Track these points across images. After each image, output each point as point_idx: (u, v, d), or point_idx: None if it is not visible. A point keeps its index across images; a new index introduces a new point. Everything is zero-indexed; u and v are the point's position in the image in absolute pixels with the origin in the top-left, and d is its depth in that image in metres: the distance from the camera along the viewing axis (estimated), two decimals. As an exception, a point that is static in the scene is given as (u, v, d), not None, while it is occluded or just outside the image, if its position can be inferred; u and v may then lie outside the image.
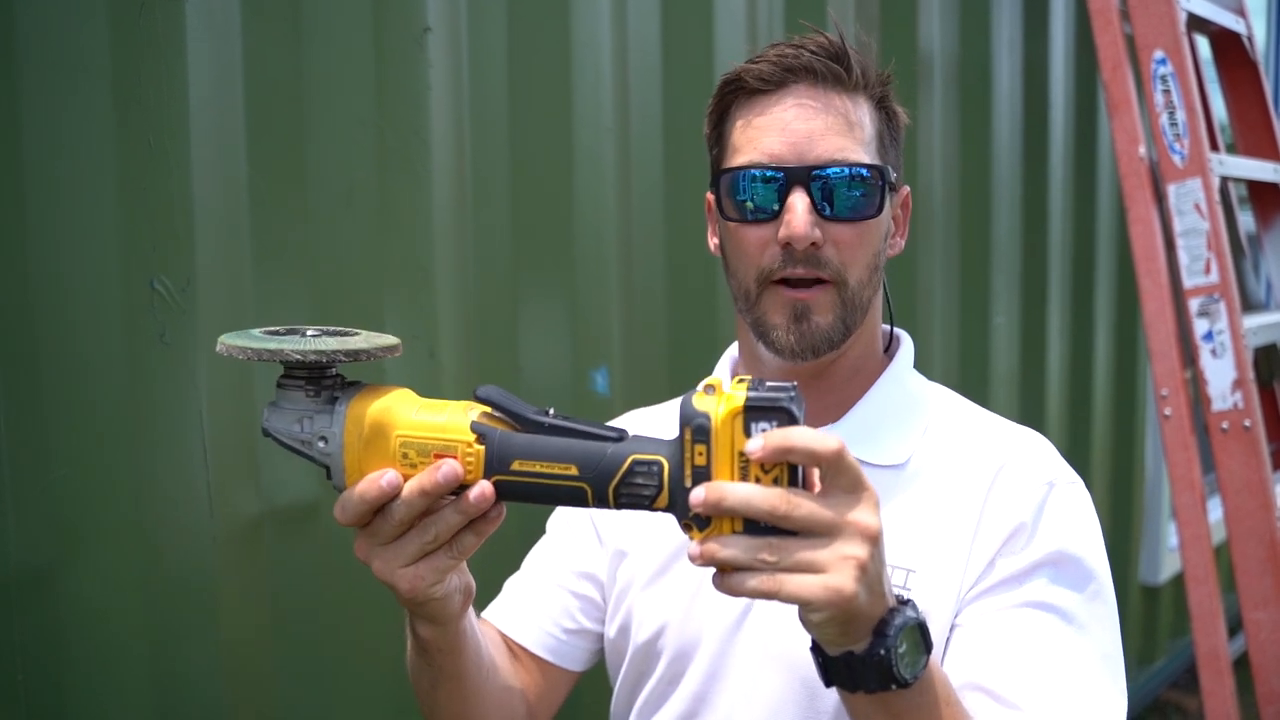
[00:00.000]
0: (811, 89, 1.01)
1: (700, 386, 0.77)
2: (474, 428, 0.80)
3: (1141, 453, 3.57)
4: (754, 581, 0.74)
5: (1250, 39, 2.72)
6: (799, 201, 0.98)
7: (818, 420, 1.07)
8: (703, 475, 0.76)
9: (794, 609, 0.98)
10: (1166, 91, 2.31)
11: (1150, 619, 3.72)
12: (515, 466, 0.79)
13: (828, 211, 0.99)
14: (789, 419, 0.75)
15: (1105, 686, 0.96)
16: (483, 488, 0.79)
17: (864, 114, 1.02)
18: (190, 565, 1.39)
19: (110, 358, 1.31)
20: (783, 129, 1.00)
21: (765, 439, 0.74)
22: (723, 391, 0.76)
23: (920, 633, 0.81)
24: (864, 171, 1.00)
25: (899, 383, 1.10)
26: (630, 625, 1.14)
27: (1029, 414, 3.00)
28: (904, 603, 0.81)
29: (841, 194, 0.99)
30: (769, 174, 1.00)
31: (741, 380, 0.78)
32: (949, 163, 2.68)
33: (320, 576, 1.52)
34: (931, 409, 1.10)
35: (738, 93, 1.04)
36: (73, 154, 1.27)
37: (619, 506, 0.79)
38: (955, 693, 0.88)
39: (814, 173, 0.99)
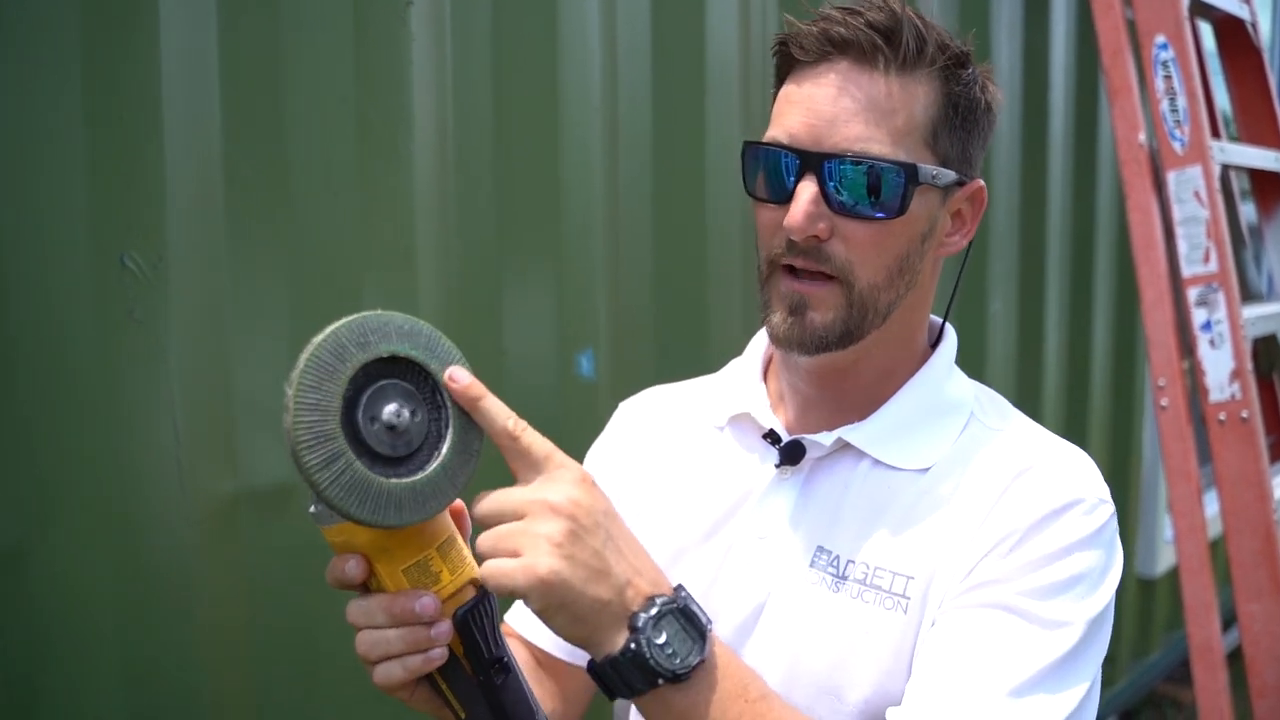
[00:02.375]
0: (854, 65, 0.92)
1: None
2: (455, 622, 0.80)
3: (1139, 444, 3.54)
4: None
5: (1255, 26, 2.68)
6: (805, 190, 0.91)
7: (844, 416, 1.01)
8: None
9: (801, 617, 0.97)
10: (1168, 77, 2.28)
11: (1146, 612, 3.69)
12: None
13: (838, 204, 0.92)
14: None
15: (1044, 698, 0.86)
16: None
17: (915, 98, 0.92)
18: (163, 545, 1.36)
19: (79, 334, 1.29)
20: (809, 108, 0.92)
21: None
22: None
23: (685, 618, 0.78)
24: (881, 167, 0.90)
25: (933, 385, 1.02)
26: None
27: (1025, 403, 2.96)
28: (674, 592, 0.79)
29: (856, 187, 0.91)
30: (783, 155, 0.93)
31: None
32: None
33: (298, 557, 1.50)
34: (967, 414, 1.01)
35: (786, 57, 0.97)
36: (41, 127, 1.25)
37: None
38: (764, 684, 0.84)
39: (826, 161, 0.91)
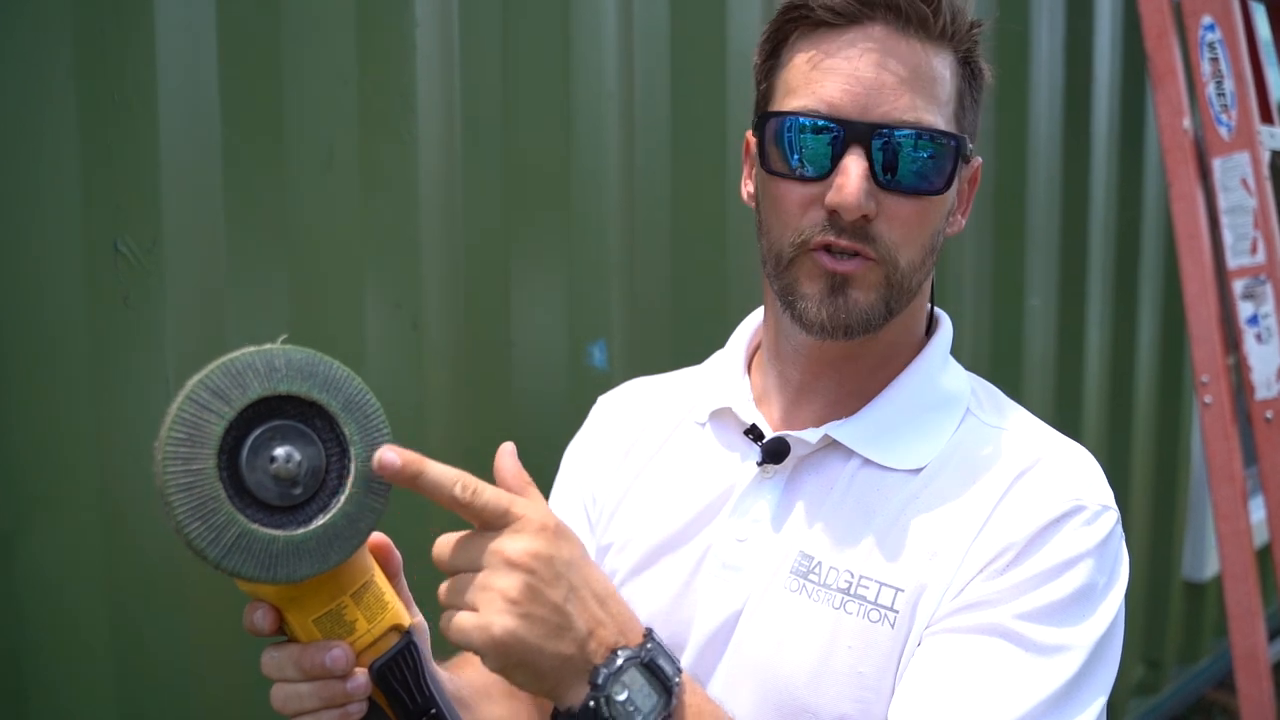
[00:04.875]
0: (890, 31, 0.85)
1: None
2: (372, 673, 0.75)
3: (1187, 443, 3.41)
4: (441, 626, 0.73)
5: (1311, 7, 2.57)
6: (854, 165, 0.84)
7: (834, 410, 0.95)
8: None
9: (776, 627, 0.91)
10: (1214, 60, 2.18)
11: (1194, 617, 3.57)
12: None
13: (887, 180, 0.85)
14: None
15: None
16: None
17: (946, 69, 0.87)
18: (156, 535, 1.34)
19: (72, 320, 1.27)
20: (849, 75, 0.85)
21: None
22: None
23: (650, 671, 0.73)
24: (938, 138, 0.85)
25: (928, 378, 0.96)
26: None
27: (1064, 401, 2.88)
28: (642, 640, 0.74)
29: (906, 162, 0.85)
30: (825, 125, 0.85)
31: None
32: (982, 136, 2.55)
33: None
34: (960, 411, 0.95)
35: (801, 22, 0.89)
36: (32, 109, 1.23)
37: None
38: None
39: (879, 132, 0.84)
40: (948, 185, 0.88)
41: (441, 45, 1.57)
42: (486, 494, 0.72)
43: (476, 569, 0.72)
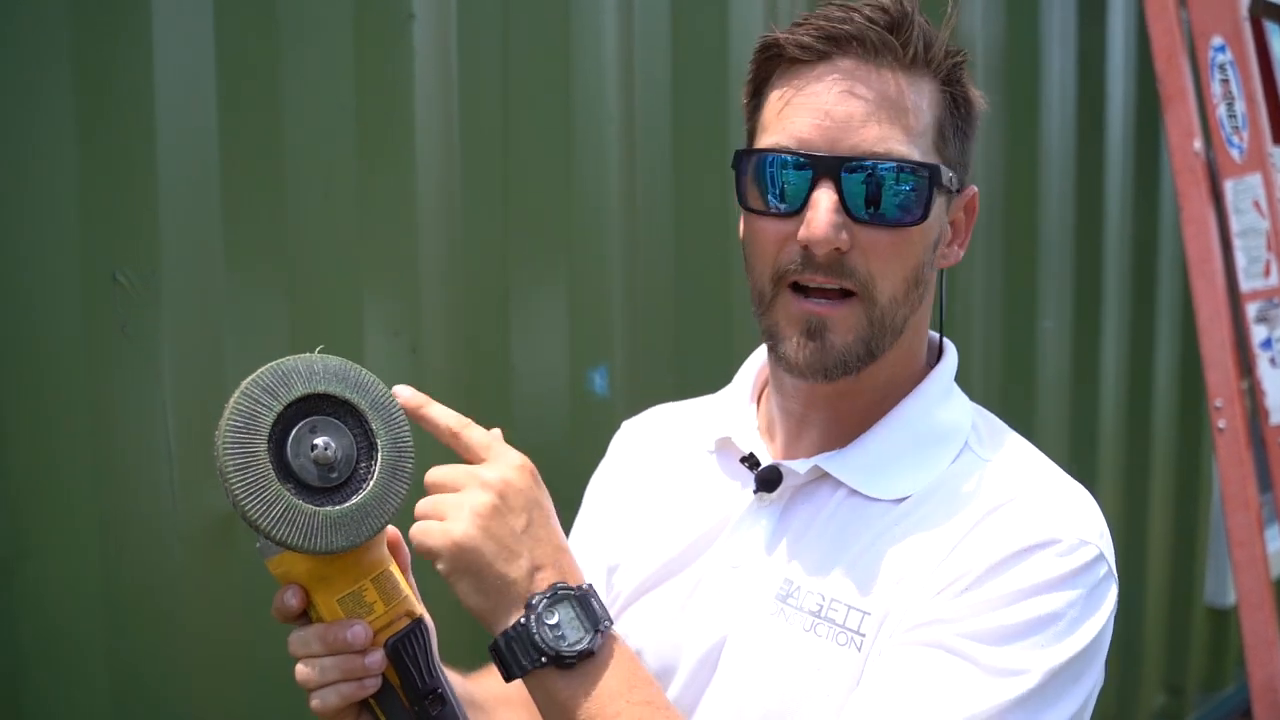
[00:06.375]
0: (859, 64, 0.86)
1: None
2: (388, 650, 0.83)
3: (1208, 466, 3.36)
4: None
5: (1327, 26, 2.54)
6: (824, 198, 0.84)
7: (830, 442, 0.95)
8: None
9: (756, 653, 0.92)
10: (1225, 81, 2.16)
11: (1218, 643, 3.51)
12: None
13: (859, 212, 0.85)
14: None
15: None
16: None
17: (922, 97, 0.87)
18: (154, 561, 1.35)
19: (71, 349, 1.29)
20: (817, 110, 0.86)
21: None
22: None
23: (582, 607, 0.79)
24: (908, 169, 0.85)
25: (924, 411, 0.95)
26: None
27: (1080, 425, 2.85)
28: (580, 585, 0.81)
29: (877, 193, 0.85)
30: (794, 161, 0.86)
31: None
32: (992, 157, 2.55)
33: (292, 577, 1.48)
34: (957, 445, 0.94)
35: (777, 61, 0.90)
36: (32, 141, 1.25)
37: None
38: (655, 692, 0.82)
39: (847, 165, 0.84)
40: (924, 216, 0.87)
41: (440, 73, 1.58)
42: (476, 429, 0.85)
43: (456, 489, 0.81)
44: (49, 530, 1.29)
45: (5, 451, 1.25)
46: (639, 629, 1.02)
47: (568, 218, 1.74)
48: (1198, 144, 2.18)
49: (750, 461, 0.98)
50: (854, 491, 0.93)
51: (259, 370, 0.79)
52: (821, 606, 0.89)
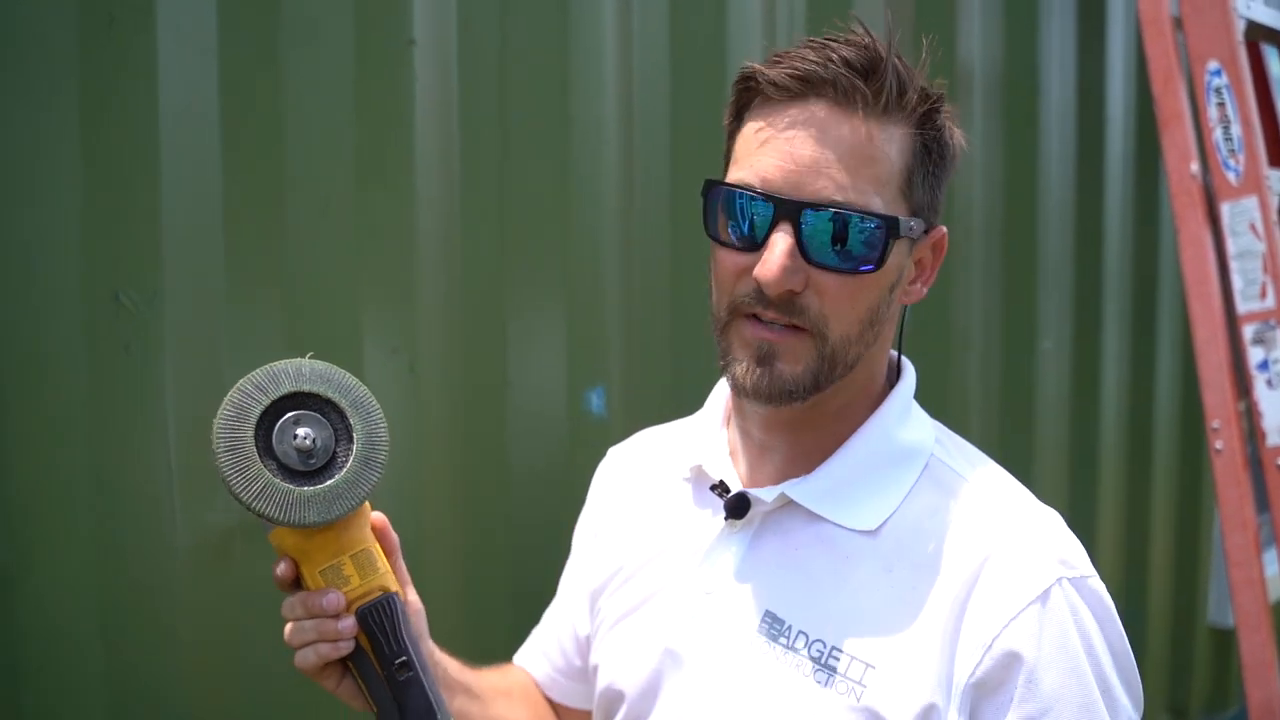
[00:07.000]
0: (832, 109, 0.87)
1: None
2: (359, 616, 0.93)
3: (1210, 487, 3.36)
4: None
5: (1323, 49, 2.56)
6: (781, 240, 0.86)
7: (791, 469, 0.97)
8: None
9: (736, 682, 0.94)
10: (1221, 105, 2.18)
11: (1220, 664, 3.49)
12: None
13: (815, 256, 0.87)
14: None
15: None
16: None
17: (892, 144, 0.88)
18: (155, 578, 1.37)
19: (73, 369, 1.31)
20: (785, 153, 0.88)
21: None
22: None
23: None
24: (868, 219, 0.87)
25: (884, 432, 0.97)
26: (600, 665, 1.09)
27: (1080, 446, 2.85)
28: None
29: (834, 239, 0.87)
30: (756, 201, 0.88)
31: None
32: (990, 179, 2.56)
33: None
34: (920, 462, 0.96)
35: (754, 93, 0.92)
36: (37, 163, 1.27)
37: None
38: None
39: (807, 210, 0.86)
40: (879, 263, 0.89)
41: (439, 93, 1.61)
42: None
43: None
44: (51, 546, 1.30)
45: (8, 468, 1.27)
46: (623, 651, 1.04)
47: (565, 239, 1.76)
48: (1195, 167, 2.20)
49: (720, 488, 1.00)
50: (826, 520, 0.95)
51: (254, 370, 0.91)
52: (822, 653, 0.90)
